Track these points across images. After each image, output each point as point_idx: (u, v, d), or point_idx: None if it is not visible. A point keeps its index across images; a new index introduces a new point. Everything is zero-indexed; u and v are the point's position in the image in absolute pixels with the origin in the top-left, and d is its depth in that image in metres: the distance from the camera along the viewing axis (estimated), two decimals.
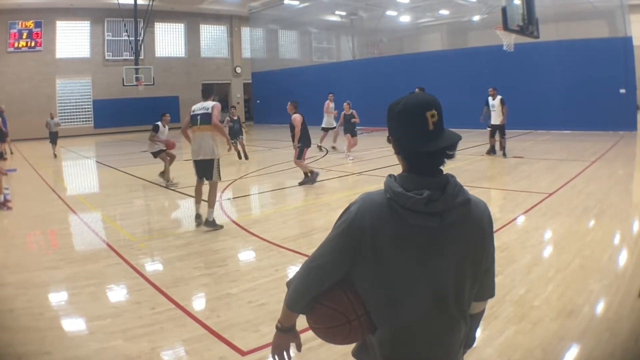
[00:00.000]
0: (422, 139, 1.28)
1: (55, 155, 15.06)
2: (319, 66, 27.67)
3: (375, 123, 19.38)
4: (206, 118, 6.04)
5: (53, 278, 4.55)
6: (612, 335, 3.10)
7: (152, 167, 10.71)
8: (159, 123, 9.89)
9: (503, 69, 16.64)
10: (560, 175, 8.58)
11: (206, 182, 6.27)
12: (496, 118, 11.22)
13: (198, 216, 6.27)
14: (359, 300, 1.37)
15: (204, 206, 6.25)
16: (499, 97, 11.17)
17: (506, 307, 3.54)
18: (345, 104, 12.50)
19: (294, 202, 8.08)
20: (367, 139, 16.66)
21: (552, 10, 15.46)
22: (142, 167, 12.17)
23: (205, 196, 6.23)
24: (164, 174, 9.64)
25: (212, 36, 29.28)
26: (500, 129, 11.24)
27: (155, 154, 9.91)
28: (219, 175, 6.24)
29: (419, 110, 1.29)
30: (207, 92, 6.44)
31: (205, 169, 6.15)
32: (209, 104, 6.15)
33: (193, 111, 6.19)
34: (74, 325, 3.61)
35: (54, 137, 15.39)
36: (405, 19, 25.51)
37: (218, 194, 8.47)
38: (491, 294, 1.47)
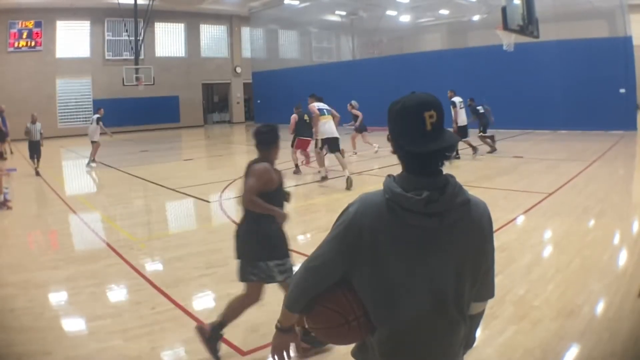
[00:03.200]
0: (419, 139, 1.27)
1: (37, 173, 11.13)
2: (319, 66, 27.64)
3: (375, 123, 19.37)
4: (329, 112, 9.01)
5: (53, 278, 4.55)
6: (612, 335, 3.10)
7: (152, 167, 10.71)
8: None
9: (503, 69, 16.62)
10: (560, 175, 8.58)
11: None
12: (464, 119, 11.42)
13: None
14: (357, 301, 1.36)
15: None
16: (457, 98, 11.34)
17: (506, 307, 3.54)
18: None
19: (293, 202, 8.02)
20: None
21: (552, 10, 15.45)
22: (142, 167, 12.17)
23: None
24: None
25: (212, 36, 29.27)
26: (463, 130, 11.28)
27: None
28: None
29: (417, 110, 1.28)
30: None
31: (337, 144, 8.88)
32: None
33: (318, 107, 9.00)
34: (74, 325, 3.62)
35: (35, 149, 11.20)
36: (405, 18, 25.49)
37: (218, 194, 8.52)
38: (491, 295, 1.46)
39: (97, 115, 13.06)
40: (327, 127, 8.78)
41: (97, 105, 24.61)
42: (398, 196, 1.26)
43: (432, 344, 1.34)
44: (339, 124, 9.35)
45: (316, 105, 9.06)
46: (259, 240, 2.94)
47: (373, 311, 1.35)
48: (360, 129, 12.68)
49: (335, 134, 8.80)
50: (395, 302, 1.31)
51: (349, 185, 8.17)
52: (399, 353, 1.34)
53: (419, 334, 1.33)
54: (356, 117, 12.55)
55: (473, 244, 1.34)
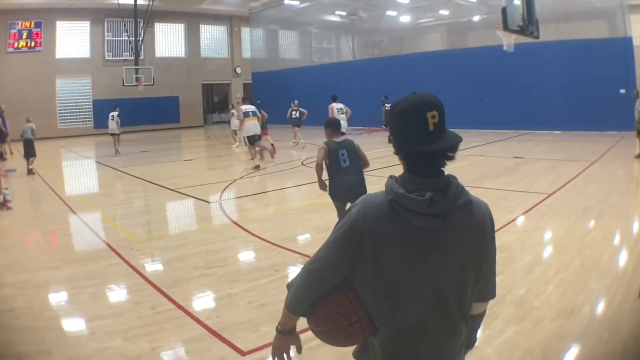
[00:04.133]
0: (421, 140, 1.26)
1: (32, 171, 11.28)
2: (319, 66, 27.65)
3: (375, 123, 19.37)
4: (254, 114, 11.28)
5: (53, 278, 4.55)
6: (612, 335, 3.10)
7: (152, 167, 10.71)
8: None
9: (503, 69, 16.62)
10: (560, 176, 8.57)
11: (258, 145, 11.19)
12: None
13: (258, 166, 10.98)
14: (360, 302, 1.36)
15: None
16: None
17: (506, 307, 3.54)
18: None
19: (294, 202, 8.09)
20: (367, 139, 16.64)
21: (552, 10, 15.44)
22: (142, 167, 12.17)
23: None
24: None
25: (212, 36, 29.26)
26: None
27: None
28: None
29: (419, 110, 1.28)
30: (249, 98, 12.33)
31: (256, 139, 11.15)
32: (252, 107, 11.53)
33: (244, 110, 11.17)
34: (74, 325, 3.61)
35: (29, 148, 11.33)
36: (405, 19, 25.51)
37: (218, 194, 8.52)
38: (492, 295, 1.46)
39: (116, 112, 15.57)
40: (250, 126, 11.11)
41: (97, 105, 24.76)
42: (401, 197, 1.26)
43: (434, 344, 1.34)
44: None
45: (243, 108, 11.24)
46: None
47: (375, 312, 1.35)
48: (296, 124, 15.38)
49: (257, 132, 11.14)
50: (397, 302, 1.31)
51: (256, 168, 10.72)
52: (401, 353, 1.34)
53: (421, 334, 1.32)
54: (302, 113, 15.31)
55: (475, 244, 1.34)
